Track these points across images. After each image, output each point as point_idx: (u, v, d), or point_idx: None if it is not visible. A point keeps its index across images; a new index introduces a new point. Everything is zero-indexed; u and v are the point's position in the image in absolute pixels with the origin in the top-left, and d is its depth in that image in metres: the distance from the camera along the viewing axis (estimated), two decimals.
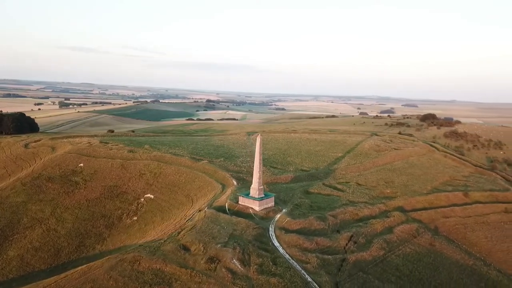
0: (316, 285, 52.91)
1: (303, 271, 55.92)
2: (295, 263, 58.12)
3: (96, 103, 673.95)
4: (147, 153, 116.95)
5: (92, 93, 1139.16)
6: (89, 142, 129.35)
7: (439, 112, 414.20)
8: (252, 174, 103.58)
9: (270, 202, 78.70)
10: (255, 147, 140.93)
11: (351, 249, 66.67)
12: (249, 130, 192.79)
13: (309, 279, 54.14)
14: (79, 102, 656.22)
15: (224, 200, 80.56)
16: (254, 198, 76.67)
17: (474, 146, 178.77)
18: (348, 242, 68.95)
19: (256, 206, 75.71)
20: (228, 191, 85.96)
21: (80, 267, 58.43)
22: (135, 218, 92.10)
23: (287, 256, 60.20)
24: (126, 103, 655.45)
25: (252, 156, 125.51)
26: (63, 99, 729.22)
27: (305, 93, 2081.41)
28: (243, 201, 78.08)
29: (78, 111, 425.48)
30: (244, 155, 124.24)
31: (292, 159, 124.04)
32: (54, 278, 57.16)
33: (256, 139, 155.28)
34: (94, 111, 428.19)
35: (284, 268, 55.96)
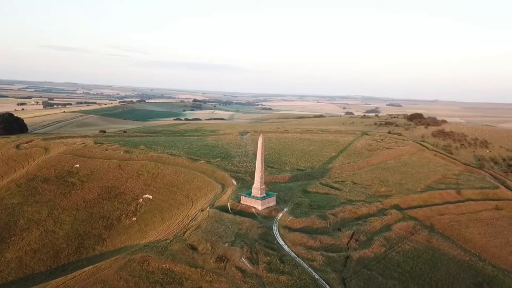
0: (324, 282, 54.08)
1: (310, 269, 57.04)
2: (301, 261, 59.22)
3: (81, 103, 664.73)
4: (144, 154, 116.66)
5: (76, 93, 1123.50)
6: (84, 143, 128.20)
7: (423, 112, 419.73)
8: (251, 174, 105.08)
9: (272, 202, 79.73)
10: (249, 147, 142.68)
11: (354, 247, 68.15)
12: (241, 130, 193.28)
13: (317, 276, 55.28)
14: (63, 102, 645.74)
15: (225, 199, 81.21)
16: (256, 198, 77.55)
17: (461, 145, 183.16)
18: (350, 240, 70.45)
19: (258, 206, 76.63)
20: (229, 191, 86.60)
21: (87, 268, 58.48)
22: (134, 218, 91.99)
23: (293, 254, 61.27)
24: (111, 103, 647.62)
25: (248, 156, 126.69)
26: (47, 99, 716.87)
27: (291, 93, 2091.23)
28: (245, 200, 78.88)
29: (64, 111, 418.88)
30: (240, 155, 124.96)
31: (288, 158, 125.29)
32: (62, 279, 57.17)
33: (253, 139, 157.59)
34: (80, 111, 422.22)
35: (292, 266, 56.99)
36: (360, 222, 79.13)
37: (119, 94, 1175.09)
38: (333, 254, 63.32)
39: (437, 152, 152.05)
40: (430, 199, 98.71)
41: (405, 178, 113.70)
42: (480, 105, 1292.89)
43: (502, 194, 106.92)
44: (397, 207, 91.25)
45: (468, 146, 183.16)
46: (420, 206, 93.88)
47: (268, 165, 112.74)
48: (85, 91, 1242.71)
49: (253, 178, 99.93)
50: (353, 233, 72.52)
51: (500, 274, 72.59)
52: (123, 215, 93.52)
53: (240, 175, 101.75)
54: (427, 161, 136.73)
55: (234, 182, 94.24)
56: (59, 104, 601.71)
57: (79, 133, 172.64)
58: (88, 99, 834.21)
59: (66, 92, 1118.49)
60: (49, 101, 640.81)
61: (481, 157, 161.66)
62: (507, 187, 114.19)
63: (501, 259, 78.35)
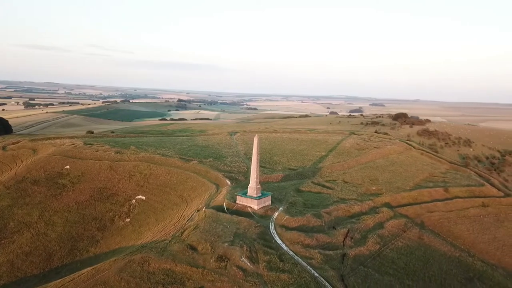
0: (324, 280, 55.03)
1: (309, 267, 57.92)
2: (300, 259, 60.06)
3: (63, 103, 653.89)
4: (135, 154, 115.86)
5: (58, 93, 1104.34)
6: (73, 144, 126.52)
7: (405, 111, 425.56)
8: (244, 174, 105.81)
9: (267, 201, 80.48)
10: (240, 147, 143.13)
11: (349, 245, 69.40)
12: (230, 130, 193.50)
13: (316, 274, 56.20)
14: (45, 103, 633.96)
15: (221, 199, 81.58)
16: (252, 197, 78.16)
17: (446, 143, 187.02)
18: (345, 238, 71.69)
19: (254, 205, 77.26)
20: (224, 191, 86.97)
21: (85, 270, 58.16)
22: (127, 219, 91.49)
23: (291, 252, 62.08)
24: (95, 103, 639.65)
25: (240, 156, 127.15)
26: (27, 99, 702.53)
27: (275, 93, 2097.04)
28: (241, 200, 79.40)
29: (47, 112, 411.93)
30: (231, 155, 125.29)
31: (279, 158, 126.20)
32: (60, 281, 56.86)
33: (243, 139, 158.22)
34: (64, 112, 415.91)
35: (291, 264, 57.82)
36: (353, 220, 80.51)
37: (102, 94, 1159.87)
38: (330, 252, 64.40)
39: (424, 151, 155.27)
40: (419, 197, 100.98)
41: (394, 176, 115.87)
42: (460, 104, 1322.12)
43: (487, 191, 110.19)
44: (388, 205, 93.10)
45: (452, 145, 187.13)
46: (410, 204, 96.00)
47: (260, 164, 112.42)
48: (67, 91, 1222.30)
49: (246, 178, 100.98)
50: (348, 231, 73.84)
51: (489, 269, 74.99)
52: (116, 216, 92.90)
53: (233, 175, 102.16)
54: (414, 159, 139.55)
55: (228, 182, 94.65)
56: (40, 104, 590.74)
57: (67, 134, 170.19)
58: (70, 99, 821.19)
59: (48, 92, 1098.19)
60: (30, 101, 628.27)
61: (465, 156, 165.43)
62: (492, 184, 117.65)
63: (489, 254, 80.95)
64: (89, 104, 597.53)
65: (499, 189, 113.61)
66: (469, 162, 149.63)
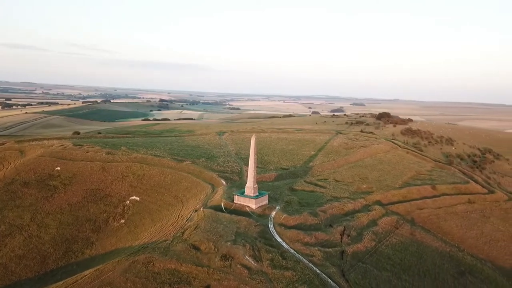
0: (326, 276, 56.45)
1: (310, 264, 59.28)
2: (301, 256, 61.34)
3: (42, 103, 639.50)
4: (127, 155, 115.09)
5: (35, 93, 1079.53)
6: (62, 145, 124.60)
7: (386, 110, 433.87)
8: (238, 174, 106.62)
9: (264, 200, 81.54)
10: (230, 147, 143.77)
11: (346, 242, 71.11)
12: (217, 130, 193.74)
13: (318, 271, 57.58)
14: (23, 103, 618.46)
15: (218, 199, 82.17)
16: (250, 197, 79.06)
17: (429, 142, 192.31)
18: (342, 235, 73.44)
19: (252, 204, 78.19)
20: (220, 191, 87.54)
21: (87, 272, 57.92)
22: (122, 221, 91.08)
23: (292, 250, 63.31)
24: (75, 103, 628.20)
25: (231, 156, 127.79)
26: (4, 99, 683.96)
27: (257, 92, 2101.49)
28: (238, 199, 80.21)
29: (26, 112, 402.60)
30: (223, 155, 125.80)
31: (269, 158, 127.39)
32: (62, 283, 56.47)
33: (232, 139, 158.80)
34: (44, 112, 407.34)
35: (294, 262, 59.02)
36: (348, 218, 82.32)
37: (81, 94, 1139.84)
38: (329, 249, 65.94)
39: (409, 149, 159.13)
40: (408, 195, 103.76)
41: (383, 175, 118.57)
42: (438, 104, 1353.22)
43: (472, 188, 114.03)
44: (379, 203, 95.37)
45: (435, 143, 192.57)
46: (400, 202, 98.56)
47: (249, 164, 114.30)
48: (44, 91, 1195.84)
49: (240, 178, 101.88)
50: (344, 229, 75.59)
51: (479, 263, 77.92)
52: (111, 218, 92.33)
53: (227, 175, 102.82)
54: (400, 158, 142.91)
55: (224, 182, 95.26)
56: (18, 104, 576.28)
57: (53, 135, 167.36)
58: (48, 99, 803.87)
59: (24, 92, 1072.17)
60: (7, 102, 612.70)
61: (448, 154, 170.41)
62: (476, 181, 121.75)
63: (478, 249, 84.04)
64: (69, 104, 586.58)
65: (483, 186, 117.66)
66: (452, 160, 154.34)
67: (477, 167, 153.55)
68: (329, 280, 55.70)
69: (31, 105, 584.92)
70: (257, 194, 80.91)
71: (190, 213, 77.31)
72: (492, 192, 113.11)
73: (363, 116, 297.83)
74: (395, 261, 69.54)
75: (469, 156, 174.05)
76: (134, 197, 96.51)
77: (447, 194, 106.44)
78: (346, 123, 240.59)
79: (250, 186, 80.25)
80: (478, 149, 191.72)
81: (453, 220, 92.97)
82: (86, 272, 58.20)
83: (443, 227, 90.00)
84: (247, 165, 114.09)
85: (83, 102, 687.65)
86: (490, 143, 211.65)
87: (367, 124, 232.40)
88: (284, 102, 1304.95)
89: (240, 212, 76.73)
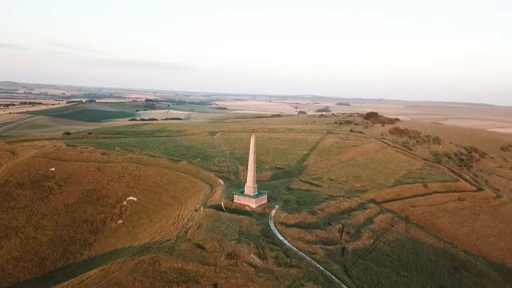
0: (330, 273, 57.73)
1: (313, 261, 60.51)
2: (304, 254, 62.54)
3: (25, 103, 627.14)
4: (122, 155, 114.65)
5: (17, 93, 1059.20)
6: (55, 146, 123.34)
7: (371, 110, 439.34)
8: (234, 173, 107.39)
9: (264, 199, 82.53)
10: (224, 147, 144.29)
11: (346, 239, 72.71)
12: (208, 130, 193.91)
13: (322, 268, 58.85)
14: (5, 103, 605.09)
15: (218, 199, 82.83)
16: (250, 196, 79.96)
17: (417, 141, 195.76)
18: (341, 233, 74.96)
19: (252, 204, 79.10)
20: (219, 190, 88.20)
21: (93, 272, 57.94)
22: (120, 221, 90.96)
23: (294, 248, 64.46)
24: (59, 103, 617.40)
25: (226, 156, 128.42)
26: None
27: (243, 92, 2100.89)
28: (238, 199, 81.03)
29: (10, 112, 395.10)
30: (218, 155, 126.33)
31: (264, 157, 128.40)
32: (68, 284, 56.42)
33: (224, 139, 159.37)
34: (28, 112, 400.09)
35: (297, 259, 60.17)
36: (345, 216, 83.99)
37: (65, 94, 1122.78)
38: (330, 246, 67.34)
39: (399, 148, 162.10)
40: (401, 193, 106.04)
41: (376, 173, 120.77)
42: (421, 103, 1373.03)
43: (462, 186, 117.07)
44: (373, 201, 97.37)
45: (423, 142, 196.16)
46: (394, 200, 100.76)
47: (248, 164, 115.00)
48: (27, 91, 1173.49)
49: (237, 178, 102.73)
50: (343, 227, 77.15)
51: (472, 258, 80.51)
52: (108, 218, 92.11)
53: (224, 174, 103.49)
54: (391, 157, 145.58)
55: (222, 182, 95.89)
56: (0, 104, 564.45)
57: (44, 136, 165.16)
58: (31, 99, 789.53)
59: (6, 92, 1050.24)
60: None
61: (436, 153, 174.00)
62: (465, 179, 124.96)
63: (470, 245, 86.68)
64: (53, 104, 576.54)
65: (472, 184, 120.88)
66: (441, 159, 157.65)
67: (464, 166, 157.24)
68: (333, 276, 56.98)
69: (14, 105, 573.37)
70: (257, 193, 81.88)
71: (191, 213, 77.77)
72: (481, 189, 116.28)
73: (351, 116, 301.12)
74: (393, 257, 71.38)
75: (456, 154, 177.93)
76: (131, 198, 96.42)
77: (438, 192, 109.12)
78: (335, 122, 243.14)
79: (249, 185, 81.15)
80: (464, 147, 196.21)
81: (445, 217, 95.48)
82: (91, 272, 58.27)
83: (436, 224, 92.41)
84: (242, 164, 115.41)
85: (67, 102, 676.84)
86: (475, 142, 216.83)
87: (356, 124, 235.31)
88: (270, 102, 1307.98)
89: (241, 211, 77.58)
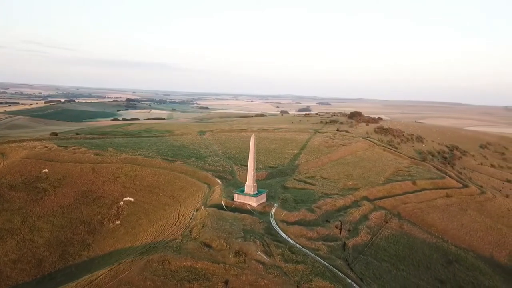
0: (334, 268, 59.67)
1: (318, 257, 62.34)
2: (308, 251, 64.33)
3: (1, 103, 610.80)
4: (116, 156, 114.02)
5: None
6: (46, 146, 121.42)
7: (351, 109, 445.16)
8: (230, 173, 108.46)
9: (263, 198, 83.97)
10: (215, 147, 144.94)
11: (345, 236, 74.91)
12: (197, 130, 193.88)
13: (326, 263, 60.73)
14: None
15: (218, 198, 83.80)
16: (250, 195, 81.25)
17: (401, 140, 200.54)
18: (340, 229, 77.12)
19: (253, 202, 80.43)
20: (218, 190, 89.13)
21: (101, 272, 58.12)
22: (118, 222, 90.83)
23: (298, 245, 66.20)
24: (37, 103, 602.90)
25: (219, 156, 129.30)
26: None
27: (224, 92, 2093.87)
28: (238, 198, 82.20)
29: None
30: (212, 155, 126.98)
31: (256, 157, 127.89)
32: (75, 285, 56.45)
33: (215, 139, 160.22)
34: (6, 112, 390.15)
35: (302, 255, 61.89)
36: (341, 213, 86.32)
37: (41, 94, 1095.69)
38: (332, 243, 69.39)
39: (385, 147, 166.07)
40: (392, 190, 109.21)
41: (366, 172, 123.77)
42: (400, 103, 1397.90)
43: (449, 183, 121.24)
44: (366, 198, 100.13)
45: (407, 141, 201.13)
46: (385, 197, 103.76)
47: (241, 163, 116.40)
48: (1, 90, 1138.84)
49: (234, 177, 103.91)
50: (341, 224, 79.32)
51: (462, 252, 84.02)
52: (105, 219, 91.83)
53: (221, 174, 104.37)
54: (379, 156, 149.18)
55: (219, 182, 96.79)
56: None
57: (30, 136, 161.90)
58: (7, 99, 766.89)
59: None
60: None
61: (420, 151, 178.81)
62: (450, 177, 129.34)
63: (460, 239, 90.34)
64: (31, 104, 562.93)
65: (457, 181, 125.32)
66: (425, 157, 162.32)
67: (448, 163, 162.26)
68: (338, 272, 58.94)
69: None
70: (257, 192, 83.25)
71: (192, 212, 78.48)
72: (466, 186, 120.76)
73: (334, 115, 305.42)
74: (391, 252, 73.99)
75: (439, 152, 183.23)
76: (128, 198, 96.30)
77: (427, 189, 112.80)
78: (321, 122, 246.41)
79: (250, 184, 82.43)
80: (446, 146, 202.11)
81: (435, 213, 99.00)
82: (100, 272, 58.47)
83: (427, 220, 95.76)
84: (236, 164, 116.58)
85: (45, 102, 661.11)
86: (455, 140, 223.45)
87: (341, 123, 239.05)
88: (252, 101, 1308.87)
89: (241, 210, 78.81)
